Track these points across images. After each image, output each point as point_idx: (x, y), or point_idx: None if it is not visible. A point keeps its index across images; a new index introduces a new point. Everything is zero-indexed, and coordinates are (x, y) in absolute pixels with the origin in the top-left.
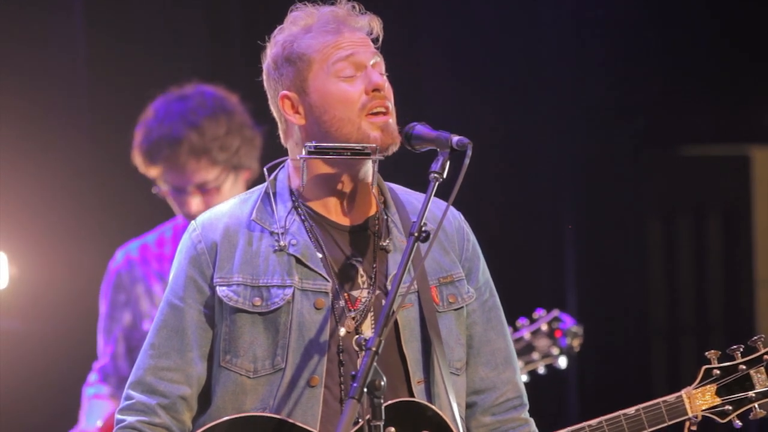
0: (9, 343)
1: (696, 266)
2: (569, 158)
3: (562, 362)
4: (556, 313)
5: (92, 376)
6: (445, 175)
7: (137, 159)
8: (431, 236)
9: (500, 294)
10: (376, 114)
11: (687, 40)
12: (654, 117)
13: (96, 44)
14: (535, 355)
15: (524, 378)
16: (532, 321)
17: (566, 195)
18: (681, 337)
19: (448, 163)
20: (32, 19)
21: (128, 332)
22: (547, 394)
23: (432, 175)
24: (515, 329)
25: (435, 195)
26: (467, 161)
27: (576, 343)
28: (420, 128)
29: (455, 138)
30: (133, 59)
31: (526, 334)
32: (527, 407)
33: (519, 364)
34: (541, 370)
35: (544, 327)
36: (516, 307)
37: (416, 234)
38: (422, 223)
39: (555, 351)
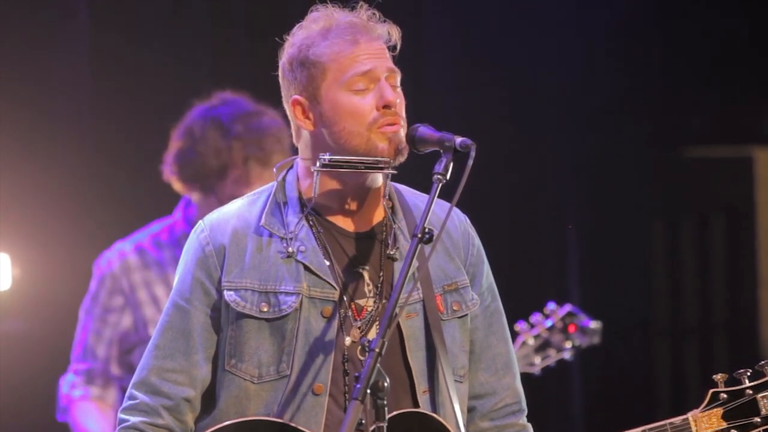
0: (11, 344)
1: (699, 267)
2: (572, 160)
3: (569, 354)
4: (568, 308)
5: (70, 377)
6: (448, 177)
7: (176, 184)
8: (434, 238)
9: (503, 295)
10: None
11: (690, 41)
12: (657, 118)
13: (99, 46)
14: (551, 352)
15: (537, 373)
16: (545, 316)
17: (569, 196)
18: (684, 338)
19: (451, 164)
20: (36, 21)
21: (124, 336)
22: (549, 395)
23: (435, 176)
24: (530, 326)
25: (439, 197)
26: (471, 162)
27: (596, 340)
28: (423, 130)
29: (459, 139)
30: (136, 62)
31: (542, 331)
32: (525, 413)
33: (536, 359)
34: (553, 365)
35: (559, 323)
36: (519, 308)
37: (419, 236)
38: (425, 225)
39: (568, 345)
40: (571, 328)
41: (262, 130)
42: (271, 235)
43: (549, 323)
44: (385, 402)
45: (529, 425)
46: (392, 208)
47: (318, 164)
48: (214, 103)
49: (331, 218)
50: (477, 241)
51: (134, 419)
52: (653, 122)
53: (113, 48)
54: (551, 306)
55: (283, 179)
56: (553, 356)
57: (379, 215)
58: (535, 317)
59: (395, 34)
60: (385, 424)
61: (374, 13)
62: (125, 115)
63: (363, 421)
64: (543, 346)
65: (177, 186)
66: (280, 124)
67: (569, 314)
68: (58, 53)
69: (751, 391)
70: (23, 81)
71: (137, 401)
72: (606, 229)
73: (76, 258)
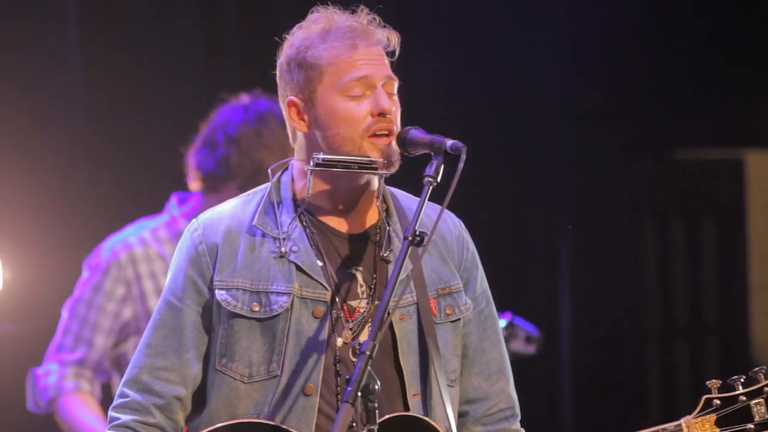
0: (3, 347)
1: (690, 269)
2: (563, 162)
3: None
4: (509, 316)
5: (54, 366)
6: (439, 180)
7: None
8: (426, 240)
9: (494, 298)
10: (379, 136)
11: (681, 43)
12: (648, 120)
13: (90, 50)
14: None
15: None
16: None
17: (560, 199)
18: (675, 341)
19: (442, 167)
20: (26, 26)
21: (123, 327)
22: (540, 397)
23: (426, 179)
24: None
25: (429, 199)
26: (461, 165)
27: (533, 350)
28: (414, 132)
29: (449, 142)
30: (126, 66)
31: None
32: (519, 418)
33: None
34: None
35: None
36: (511, 311)
37: (410, 238)
38: (416, 228)
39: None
40: (512, 339)
41: None
42: (264, 234)
43: None
44: (376, 405)
45: (523, 430)
46: (387, 210)
47: (311, 163)
48: (256, 99)
49: (325, 219)
50: (471, 246)
51: (125, 417)
52: (645, 124)
53: (105, 53)
54: None
55: (278, 180)
56: None
57: (373, 217)
58: None
59: (394, 39)
60: (375, 427)
61: (374, 18)
62: (116, 120)
63: (353, 424)
64: None
65: (199, 181)
66: None
67: (510, 324)
68: (47, 57)
69: (744, 398)
70: (13, 85)
71: (128, 399)
72: (597, 231)
73: (67, 261)
